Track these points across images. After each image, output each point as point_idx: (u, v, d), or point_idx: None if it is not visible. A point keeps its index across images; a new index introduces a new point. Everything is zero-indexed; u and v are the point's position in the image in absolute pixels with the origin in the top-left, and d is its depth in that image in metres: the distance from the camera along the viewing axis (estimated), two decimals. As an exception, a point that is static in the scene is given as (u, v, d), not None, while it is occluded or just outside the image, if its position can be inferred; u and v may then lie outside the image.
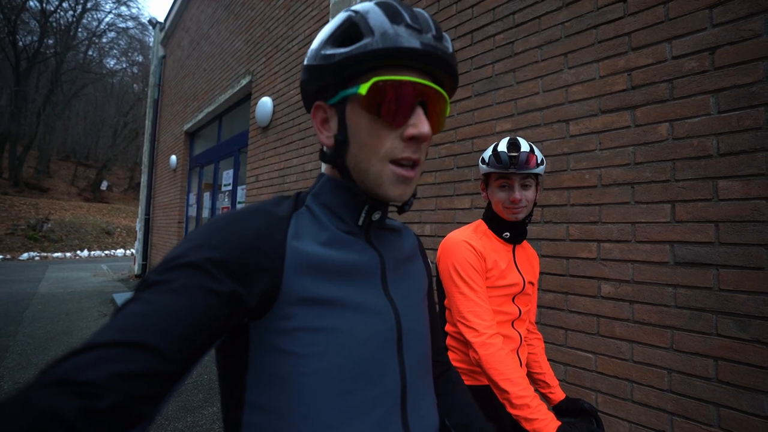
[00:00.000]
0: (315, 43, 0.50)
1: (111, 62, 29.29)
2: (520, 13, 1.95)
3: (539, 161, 1.08)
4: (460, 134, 2.21)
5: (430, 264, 0.71)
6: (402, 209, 0.54)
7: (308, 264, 0.45)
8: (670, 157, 1.42)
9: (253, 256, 0.42)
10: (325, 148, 0.53)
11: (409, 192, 0.49)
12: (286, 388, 0.43)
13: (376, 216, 0.53)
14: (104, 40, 27.09)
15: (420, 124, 0.46)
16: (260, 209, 0.47)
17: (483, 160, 1.13)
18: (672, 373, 1.37)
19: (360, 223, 0.52)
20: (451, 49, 0.49)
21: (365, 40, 0.45)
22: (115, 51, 28.70)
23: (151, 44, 9.35)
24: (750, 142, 1.26)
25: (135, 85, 29.47)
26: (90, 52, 26.17)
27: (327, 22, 3.41)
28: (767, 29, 1.25)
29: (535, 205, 1.14)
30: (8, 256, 13.10)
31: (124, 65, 29.77)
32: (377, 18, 0.45)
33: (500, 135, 2.00)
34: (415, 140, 0.46)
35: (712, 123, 1.34)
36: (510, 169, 1.06)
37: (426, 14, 0.48)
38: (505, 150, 1.07)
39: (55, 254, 14.31)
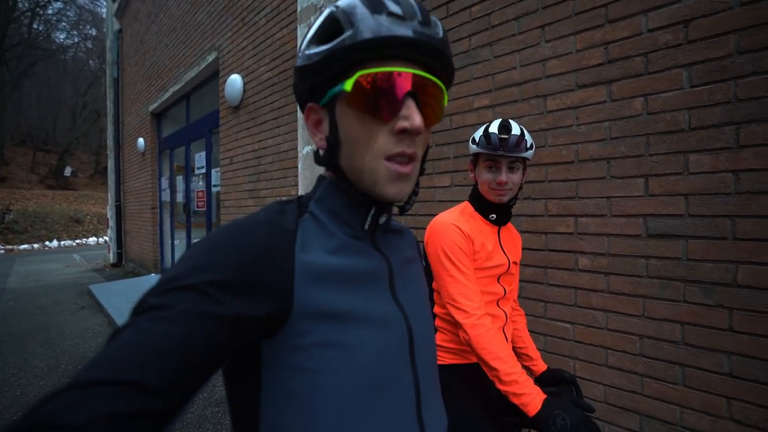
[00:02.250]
0: (303, 43, 0.48)
1: (61, 36, 27.05)
2: (496, -18, 1.88)
3: (528, 145, 1.08)
4: (438, 111, 2.17)
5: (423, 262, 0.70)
6: (403, 209, 0.52)
7: (319, 276, 0.44)
8: (645, 131, 1.45)
9: (260, 273, 0.40)
10: (319, 151, 0.51)
11: (408, 189, 0.47)
12: (302, 405, 0.42)
13: (383, 219, 0.52)
14: (50, 11, 24.79)
15: (411, 116, 0.43)
16: (265, 221, 0.45)
17: (473, 140, 1.13)
18: (643, 339, 1.45)
19: (366, 227, 0.50)
20: (441, 35, 0.46)
21: (345, 34, 0.43)
22: (64, 24, 26.38)
23: (104, 16, 8.62)
24: (719, 116, 1.29)
25: (91, 62, 27.38)
26: (35, 26, 23.96)
27: (295, -8, 3.22)
28: (738, 1, 1.25)
29: (520, 188, 1.15)
30: (-30, 251, 12.41)
31: (76, 39, 27.50)
32: (357, 10, 0.43)
33: (478, 111, 1.98)
34: (408, 134, 0.44)
35: (684, 97, 1.36)
36: (499, 151, 1.06)
37: (411, 0, 0.45)
38: (496, 132, 1.07)
39: (22, 246, 13.63)
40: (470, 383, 1.14)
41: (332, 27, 0.44)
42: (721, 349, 1.29)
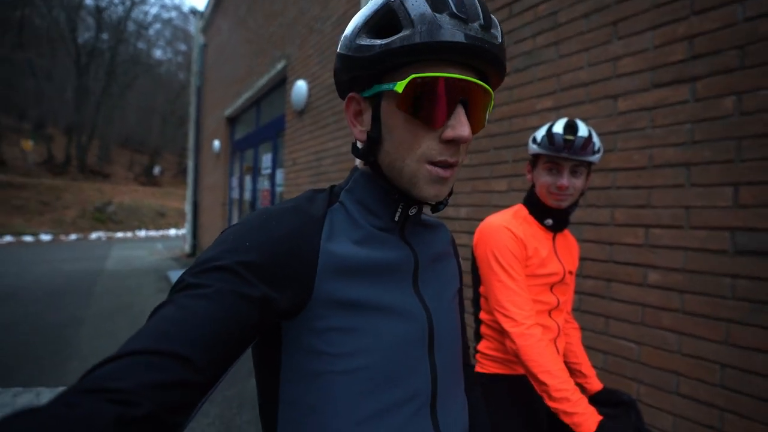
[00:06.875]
0: (349, 29, 0.46)
1: (158, 53, 30.84)
2: (564, -21, 1.80)
3: (596, 149, 1.01)
4: (497, 113, 2.11)
5: (459, 259, 0.69)
6: (436, 208, 0.51)
7: (341, 266, 0.45)
8: (736, 134, 1.28)
9: (286, 259, 0.42)
10: (357, 143, 0.50)
11: (445, 191, 0.47)
12: (317, 385, 0.44)
13: (413, 211, 0.51)
14: (151, 31, 28.50)
15: (459, 126, 0.42)
16: (295, 208, 0.46)
17: (534, 140, 1.07)
18: (725, 368, 1.27)
19: (396, 218, 0.50)
20: (500, 39, 0.43)
21: (404, 32, 0.40)
22: (161, 42, 30.15)
23: (193, 33, 9.68)
24: (835, 115, 1.10)
25: (180, 74, 30.85)
26: (139, 45, 27.68)
27: (359, 1, 3.34)
28: None
29: (581, 194, 1.08)
30: (80, 236, 14.54)
31: (169, 55, 31.24)
32: (417, 5, 0.41)
33: (540, 114, 1.89)
34: (454, 143, 0.44)
35: (788, 94, 1.18)
36: (562, 153, 1.00)
37: None
38: (561, 132, 1.01)
39: (118, 234, 15.68)
40: (515, 397, 1.09)
41: (388, 19, 0.42)
42: (829, 391, 1.09)
